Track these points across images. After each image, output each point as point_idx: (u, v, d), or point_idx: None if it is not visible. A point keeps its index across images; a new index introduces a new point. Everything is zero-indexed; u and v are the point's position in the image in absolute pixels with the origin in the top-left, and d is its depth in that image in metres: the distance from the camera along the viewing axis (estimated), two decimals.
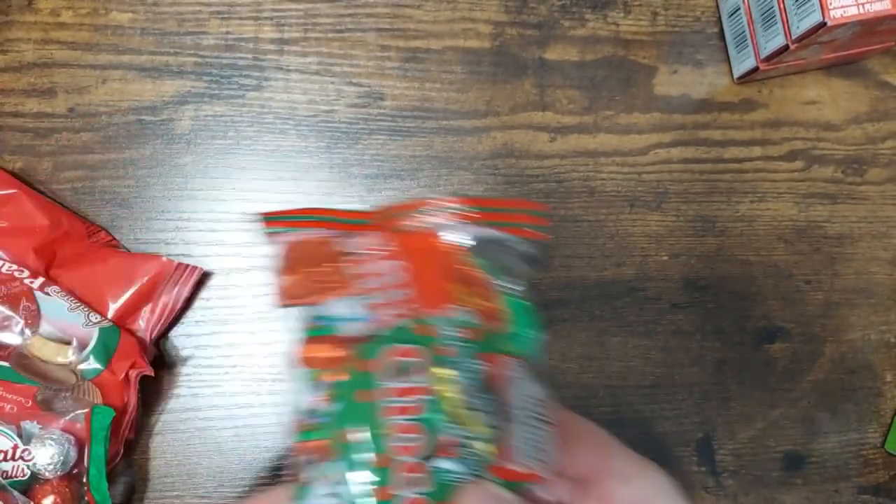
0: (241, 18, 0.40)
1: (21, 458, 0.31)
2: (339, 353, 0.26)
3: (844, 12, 0.35)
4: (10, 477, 0.31)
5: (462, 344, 0.25)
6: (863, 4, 0.35)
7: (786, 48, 0.38)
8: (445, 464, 0.23)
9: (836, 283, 0.42)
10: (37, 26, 0.39)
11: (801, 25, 0.37)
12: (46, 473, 0.31)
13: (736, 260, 0.41)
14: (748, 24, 0.41)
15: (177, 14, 0.40)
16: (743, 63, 0.42)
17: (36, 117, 0.38)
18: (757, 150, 0.42)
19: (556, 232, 0.41)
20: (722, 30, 0.43)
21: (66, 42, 0.39)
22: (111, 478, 0.33)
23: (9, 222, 0.35)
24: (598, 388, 0.40)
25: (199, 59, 0.39)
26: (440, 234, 0.28)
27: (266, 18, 0.40)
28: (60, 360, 0.34)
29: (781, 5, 0.38)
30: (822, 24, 0.35)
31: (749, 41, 0.41)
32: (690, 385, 0.40)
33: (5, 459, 0.31)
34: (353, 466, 0.23)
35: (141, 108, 0.39)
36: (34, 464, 0.31)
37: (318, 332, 0.26)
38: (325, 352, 0.26)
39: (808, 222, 0.42)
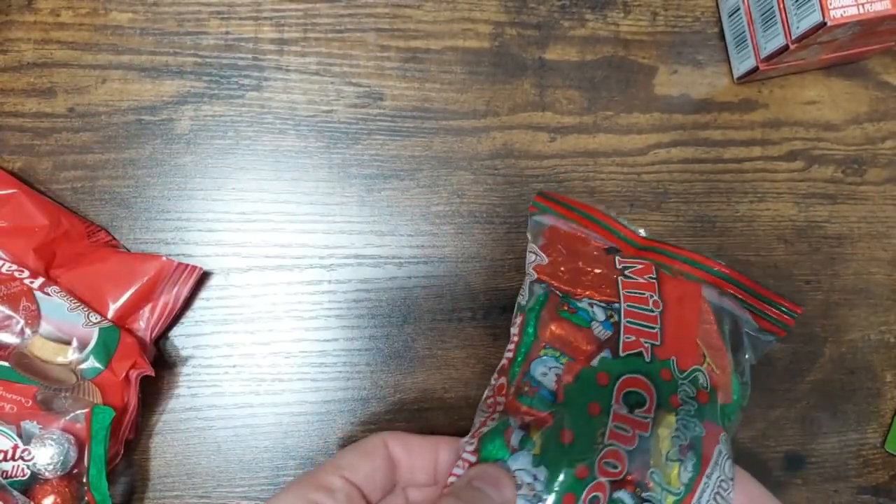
0: (240, 18, 0.40)
1: (21, 458, 0.31)
2: (588, 347, 0.27)
3: (844, 12, 0.35)
4: (10, 477, 0.31)
5: (691, 401, 0.26)
6: (863, 4, 0.35)
7: (786, 48, 0.38)
8: (627, 497, 0.24)
9: (836, 284, 0.42)
10: (36, 26, 0.39)
11: (801, 25, 0.37)
12: (46, 473, 0.31)
13: (736, 260, 0.41)
14: (748, 25, 0.41)
15: (176, 14, 0.40)
16: (743, 63, 0.42)
17: (35, 117, 0.38)
18: (757, 150, 0.42)
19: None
20: (722, 30, 0.43)
21: (66, 42, 0.39)
22: (111, 478, 0.33)
23: (9, 222, 0.35)
24: None
25: (199, 59, 0.39)
26: (704, 292, 0.29)
27: (266, 18, 0.40)
28: (60, 359, 0.34)
29: (781, 5, 0.38)
30: (822, 25, 0.35)
31: (749, 41, 0.41)
32: None
33: (5, 459, 0.31)
34: (553, 460, 0.24)
35: (141, 108, 0.39)
36: (34, 464, 0.31)
37: (572, 318, 0.28)
38: (577, 340, 0.27)
39: (808, 222, 0.42)
